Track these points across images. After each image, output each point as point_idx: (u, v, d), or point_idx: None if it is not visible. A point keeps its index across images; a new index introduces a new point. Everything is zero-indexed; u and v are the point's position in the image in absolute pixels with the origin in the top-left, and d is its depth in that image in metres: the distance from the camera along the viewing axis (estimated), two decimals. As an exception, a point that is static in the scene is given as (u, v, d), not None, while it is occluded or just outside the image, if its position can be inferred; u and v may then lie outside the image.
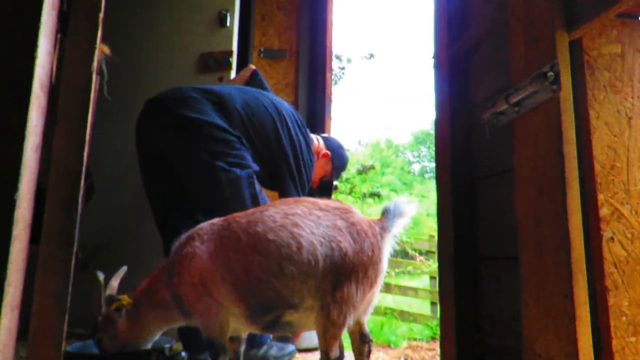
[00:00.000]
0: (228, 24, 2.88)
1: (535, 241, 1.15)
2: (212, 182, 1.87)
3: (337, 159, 2.50)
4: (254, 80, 2.49)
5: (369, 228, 1.41)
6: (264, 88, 2.45)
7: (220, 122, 1.93)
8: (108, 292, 1.58)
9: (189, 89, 2.03)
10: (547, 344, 1.08)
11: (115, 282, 1.64)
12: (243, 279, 1.37)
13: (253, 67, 2.57)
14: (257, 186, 1.95)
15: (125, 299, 1.55)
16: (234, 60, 2.84)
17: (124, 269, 1.70)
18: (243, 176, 1.89)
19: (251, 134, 2.03)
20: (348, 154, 2.72)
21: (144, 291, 1.55)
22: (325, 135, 2.59)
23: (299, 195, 2.13)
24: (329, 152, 2.46)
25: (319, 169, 2.43)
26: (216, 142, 1.90)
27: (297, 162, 2.16)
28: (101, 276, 1.56)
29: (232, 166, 1.88)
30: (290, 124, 2.17)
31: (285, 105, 2.26)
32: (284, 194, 2.12)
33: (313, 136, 2.45)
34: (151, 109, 2.04)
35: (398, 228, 1.46)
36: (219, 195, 1.87)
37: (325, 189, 2.59)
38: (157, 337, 1.62)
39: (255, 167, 1.97)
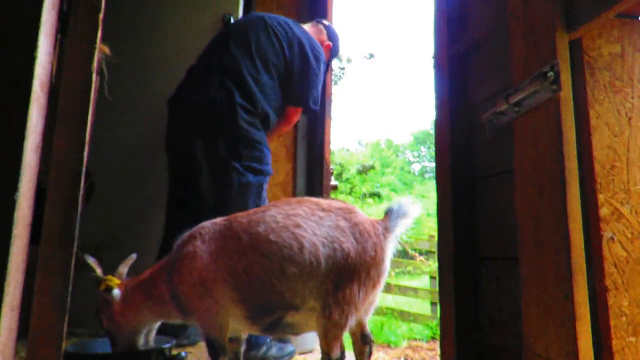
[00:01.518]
0: None
1: (535, 241, 1.15)
2: (223, 180, 1.90)
3: (335, 49, 2.61)
4: None
5: (372, 228, 1.41)
6: None
7: (245, 103, 1.98)
8: (116, 275, 1.60)
9: (208, 73, 2.06)
10: (547, 344, 1.08)
11: (123, 269, 1.65)
12: (244, 280, 1.37)
13: None
14: (264, 193, 2.00)
15: (111, 279, 1.55)
16: None
17: (133, 256, 1.70)
18: (254, 183, 1.94)
19: (264, 77, 2.10)
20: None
21: (144, 281, 1.55)
22: (325, 22, 2.66)
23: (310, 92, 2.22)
24: (330, 44, 2.56)
25: None
26: (237, 139, 1.93)
27: (315, 61, 2.26)
28: (89, 259, 1.57)
29: (247, 170, 1.92)
30: (289, 35, 2.24)
31: (279, 19, 2.32)
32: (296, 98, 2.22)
33: (308, 26, 2.52)
34: (178, 107, 2.10)
35: (401, 229, 1.46)
36: (225, 194, 1.90)
37: None
38: (154, 327, 1.62)
39: (270, 171, 2.04)
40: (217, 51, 2.16)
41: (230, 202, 1.88)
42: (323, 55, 2.34)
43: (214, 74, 2.03)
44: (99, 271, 1.57)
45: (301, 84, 2.22)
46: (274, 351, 1.98)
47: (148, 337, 1.62)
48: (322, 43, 2.49)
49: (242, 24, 2.29)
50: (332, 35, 2.59)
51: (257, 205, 1.93)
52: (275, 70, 2.16)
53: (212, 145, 1.92)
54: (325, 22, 2.65)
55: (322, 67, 2.31)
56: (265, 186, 2.01)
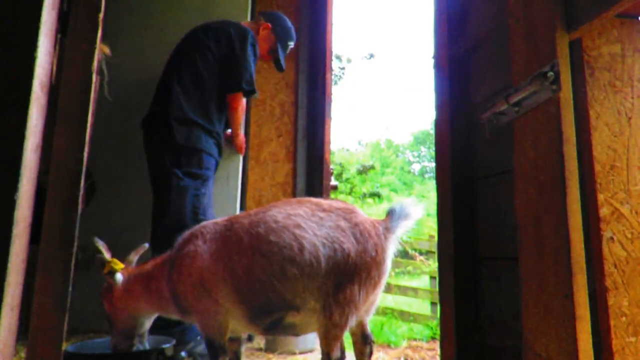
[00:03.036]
0: None
1: (535, 241, 1.15)
2: (165, 185, 2.13)
3: (279, 29, 2.62)
4: None
5: (373, 228, 1.41)
6: None
7: (180, 117, 2.18)
8: (126, 262, 1.62)
9: (154, 98, 2.31)
10: (547, 344, 1.08)
11: (134, 257, 1.67)
12: (244, 280, 1.37)
13: None
14: (206, 193, 2.18)
15: (116, 262, 1.57)
16: None
17: (145, 245, 1.74)
18: (190, 186, 2.14)
19: (195, 90, 2.28)
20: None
21: (145, 273, 1.57)
22: (267, 11, 2.76)
23: (243, 78, 2.32)
24: (268, 24, 2.60)
25: (264, 42, 2.60)
26: (179, 150, 2.16)
27: (240, 44, 2.34)
28: (98, 242, 1.59)
29: (185, 175, 2.14)
30: (208, 36, 2.34)
31: (209, 24, 2.43)
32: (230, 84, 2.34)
33: (248, 24, 2.61)
34: (146, 124, 2.33)
35: (402, 230, 1.46)
36: (165, 196, 2.12)
37: (275, 62, 2.72)
38: (151, 318, 1.64)
39: (209, 175, 2.23)
40: (161, 76, 2.41)
41: (169, 203, 2.10)
42: (251, 37, 2.39)
43: (156, 97, 2.33)
44: (106, 255, 1.59)
45: (230, 69, 2.32)
46: (201, 348, 1.98)
47: (145, 325, 1.63)
48: (257, 28, 2.57)
49: (178, 44, 2.45)
50: (270, 18, 2.63)
51: (195, 207, 2.13)
52: (208, 73, 2.30)
53: (160, 157, 2.18)
54: (270, 12, 2.76)
55: (249, 49, 2.36)
56: (204, 189, 2.20)
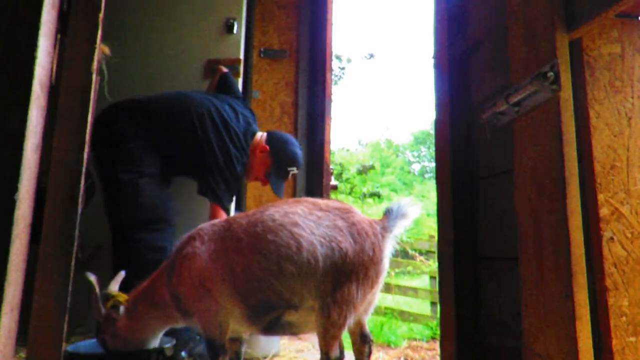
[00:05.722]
0: (235, 31, 2.94)
1: (535, 241, 1.15)
2: (110, 183, 2.10)
3: (276, 153, 2.38)
4: (223, 83, 2.62)
5: (370, 228, 1.41)
6: (231, 90, 2.57)
7: (129, 130, 2.16)
8: (107, 290, 1.58)
9: (117, 105, 2.24)
10: (547, 344, 1.08)
11: (114, 287, 1.62)
12: (243, 279, 1.37)
13: (224, 69, 2.69)
14: (152, 191, 2.11)
15: (121, 295, 1.54)
16: (241, 67, 2.88)
17: (122, 273, 1.68)
18: (138, 180, 2.08)
19: (168, 132, 2.23)
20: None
21: (144, 290, 1.55)
22: (275, 131, 2.55)
23: (219, 190, 2.23)
24: (266, 146, 2.38)
25: (260, 165, 2.41)
26: (118, 149, 2.12)
27: (223, 155, 2.24)
28: (91, 277, 1.55)
29: (128, 171, 2.09)
30: (217, 119, 2.27)
31: (219, 103, 2.34)
32: (203, 189, 2.24)
33: (260, 133, 2.47)
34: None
35: (399, 229, 1.46)
36: (110, 195, 2.10)
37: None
38: (159, 336, 1.61)
39: (148, 171, 2.14)
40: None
41: (118, 199, 2.06)
42: (237, 155, 2.28)
43: (124, 104, 2.26)
44: (98, 289, 1.55)
45: (210, 176, 2.22)
46: (200, 348, 1.97)
47: (152, 344, 1.61)
48: (256, 146, 2.39)
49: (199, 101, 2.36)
50: (270, 138, 2.41)
51: (138, 200, 2.05)
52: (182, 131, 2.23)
53: (101, 158, 2.14)
54: (275, 131, 2.58)
55: (234, 167, 2.25)
56: (146, 180, 2.12)
